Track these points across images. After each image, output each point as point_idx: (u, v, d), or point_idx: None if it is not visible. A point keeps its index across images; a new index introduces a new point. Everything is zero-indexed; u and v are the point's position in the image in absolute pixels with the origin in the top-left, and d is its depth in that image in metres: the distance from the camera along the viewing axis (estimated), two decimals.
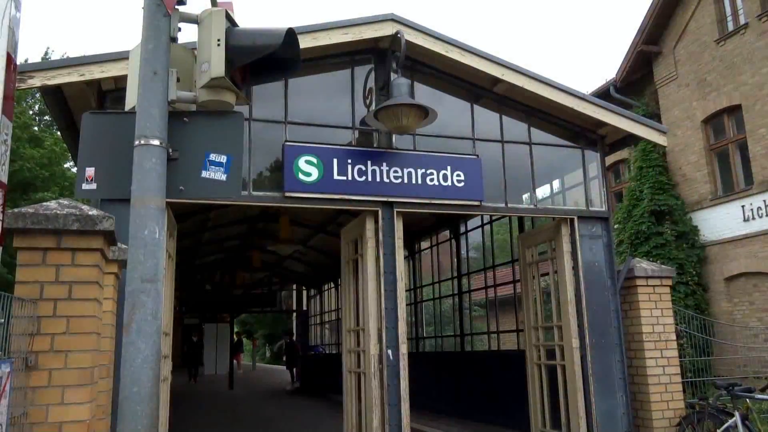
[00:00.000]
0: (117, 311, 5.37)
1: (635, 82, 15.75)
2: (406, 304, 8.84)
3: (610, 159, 14.91)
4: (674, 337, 7.65)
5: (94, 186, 3.18)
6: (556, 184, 9.98)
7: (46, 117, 23.02)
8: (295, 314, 26.95)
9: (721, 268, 13.22)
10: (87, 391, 4.14)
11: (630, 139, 8.27)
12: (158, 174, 3.04)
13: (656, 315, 7.60)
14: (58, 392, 4.07)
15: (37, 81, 5.74)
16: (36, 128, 22.22)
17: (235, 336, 27.48)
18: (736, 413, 6.30)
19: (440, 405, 12.46)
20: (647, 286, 7.67)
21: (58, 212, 4.28)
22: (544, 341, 8.15)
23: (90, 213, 4.37)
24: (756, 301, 12.46)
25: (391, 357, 6.64)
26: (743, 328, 11.95)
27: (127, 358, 2.86)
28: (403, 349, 6.70)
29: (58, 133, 18.02)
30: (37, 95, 22.34)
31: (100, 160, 3.26)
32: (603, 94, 15.13)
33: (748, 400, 6.43)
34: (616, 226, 14.51)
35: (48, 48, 57.46)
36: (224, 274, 21.63)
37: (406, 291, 14.24)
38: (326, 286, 22.32)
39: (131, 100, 3.38)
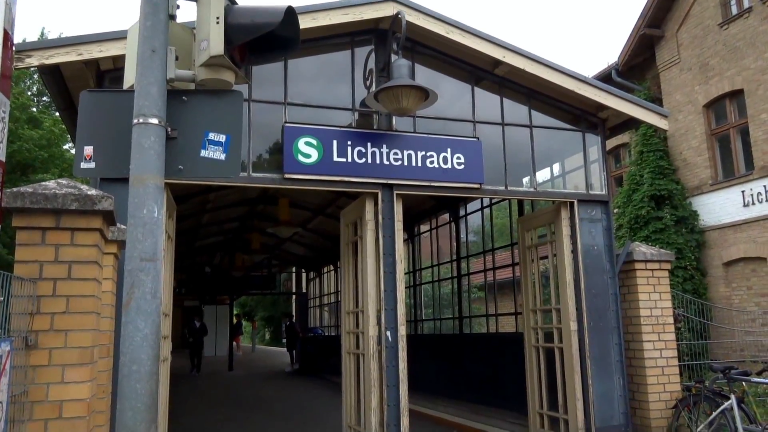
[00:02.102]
0: (117, 292, 5.38)
1: (637, 66, 15.66)
2: (405, 287, 8.86)
3: (611, 143, 14.88)
4: (672, 321, 7.68)
5: (92, 165, 3.17)
6: (556, 167, 9.97)
7: (45, 98, 22.92)
8: (294, 296, 27.05)
9: (719, 253, 13.24)
10: (87, 370, 4.16)
11: (631, 123, 8.24)
12: (157, 153, 3.02)
13: (654, 299, 7.63)
14: (58, 371, 4.09)
15: (34, 60, 5.70)
16: (35, 109, 22.12)
17: (234, 318, 27.58)
18: (732, 396, 6.34)
19: (438, 387, 12.55)
20: (646, 269, 7.69)
21: (57, 192, 4.27)
22: (543, 324, 8.19)
23: (89, 193, 4.36)
24: (754, 285, 12.49)
25: (389, 338, 6.67)
26: (740, 313, 12.00)
27: (126, 336, 2.87)
28: (402, 330, 6.72)
29: (57, 114, 17.94)
30: (36, 76, 22.22)
31: (99, 139, 3.24)
32: (605, 78, 15.05)
33: (744, 383, 6.47)
34: (615, 211, 14.51)
35: (44, 28, 57.02)
36: (224, 257, 21.67)
37: (406, 274, 14.27)
38: (326, 269, 22.37)
39: (129, 78, 3.35)
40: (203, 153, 3.22)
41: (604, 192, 7.94)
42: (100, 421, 4.97)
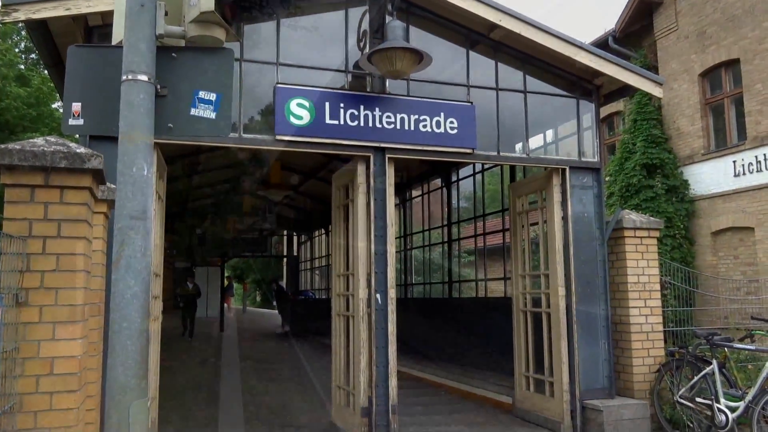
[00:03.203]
0: (107, 251, 5.38)
1: (634, 34, 15.51)
2: (396, 251, 8.92)
3: (605, 111, 14.83)
4: (658, 288, 7.78)
5: (81, 122, 3.14)
6: (549, 134, 9.94)
7: (33, 55, 22.49)
8: (285, 259, 27.14)
9: (708, 222, 13.35)
10: (78, 328, 4.18)
11: (626, 91, 8.20)
12: (146, 110, 2.99)
13: (642, 266, 7.71)
14: (49, 328, 4.11)
15: (21, 14, 5.57)
16: (22, 66, 21.72)
17: (225, 279, 27.71)
18: (714, 361, 6.48)
19: (427, 350, 12.73)
20: (635, 237, 7.75)
21: (46, 149, 4.23)
22: (531, 289, 8.28)
23: (78, 151, 4.32)
24: (741, 255, 12.64)
25: (379, 301, 6.73)
26: (726, 281, 12.17)
27: (116, 294, 2.88)
28: (392, 293, 6.78)
29: (46, 72, 17.64)
30: (23, 32, 21.76)
31: (87, 96, 3.20)
32: (602, 45, 14.91)
33: (726, 349, 6.60)
34: (607, 179, 14.55)
35: None
36: (215, 219, 21.66)
37: (396, 238, 14.33)
38: (317, 232, 22.42)
39: (118, 33, 3.29)
40: (193, 111, 3.19)
41: (596, 159, 7.95)
42: (92, 378, 5.02)
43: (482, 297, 12.57)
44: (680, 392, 6.79)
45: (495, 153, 7.46)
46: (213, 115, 3.19)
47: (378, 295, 6.75)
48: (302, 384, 10.12)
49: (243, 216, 20.87)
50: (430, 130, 6.97)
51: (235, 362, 13.03)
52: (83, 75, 3.21)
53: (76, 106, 3.13)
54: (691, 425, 6.72)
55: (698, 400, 6.52)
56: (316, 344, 16.54)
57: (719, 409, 6.15)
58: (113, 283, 2.91)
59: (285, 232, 26.09)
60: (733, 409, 6.10)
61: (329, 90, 6.77)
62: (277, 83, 6.62)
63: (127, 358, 2.81)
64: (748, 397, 5.98)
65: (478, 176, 12.56)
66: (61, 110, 20.69)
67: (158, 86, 3.11)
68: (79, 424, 4.16)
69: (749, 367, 7.61)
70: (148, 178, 2.96)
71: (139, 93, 2.98)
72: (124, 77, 3.00)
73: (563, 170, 7.73)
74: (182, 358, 13.33)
